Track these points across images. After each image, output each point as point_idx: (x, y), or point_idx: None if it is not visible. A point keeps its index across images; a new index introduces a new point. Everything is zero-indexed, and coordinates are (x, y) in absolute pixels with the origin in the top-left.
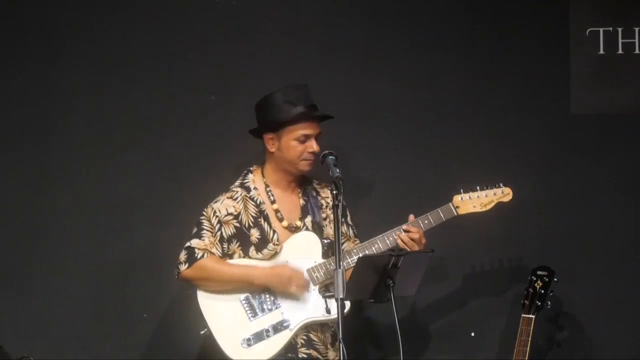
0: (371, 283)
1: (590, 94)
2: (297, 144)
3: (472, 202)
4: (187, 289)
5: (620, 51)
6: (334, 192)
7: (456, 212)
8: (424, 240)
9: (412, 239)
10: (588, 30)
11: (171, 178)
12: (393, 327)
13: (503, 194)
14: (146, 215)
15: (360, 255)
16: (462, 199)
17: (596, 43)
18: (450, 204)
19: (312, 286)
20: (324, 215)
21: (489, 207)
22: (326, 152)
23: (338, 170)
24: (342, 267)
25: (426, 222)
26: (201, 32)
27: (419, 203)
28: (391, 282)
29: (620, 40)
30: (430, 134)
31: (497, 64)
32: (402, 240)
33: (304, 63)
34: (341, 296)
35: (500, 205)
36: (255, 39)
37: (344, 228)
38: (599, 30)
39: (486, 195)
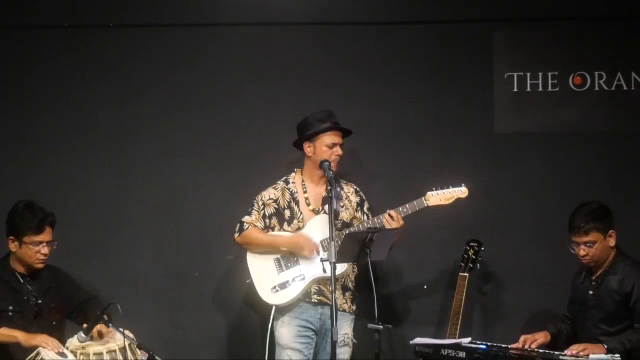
0: (354, 251)
1: (507, 119)
2: (327, 149)
3: (439, 197)
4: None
5: (528, 89)
6: (328, 187)
7: (426, 203)
8: (402, 222)
9: (392, 218)
10: (506, 74)
11: (215, 177)
12: (369, 283)
13: (462, 192)
14: (198, 203)
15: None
16: (432, 194)
17: (511, 83)
18: (423, 197)
19: (322, 252)
20: (341, 204)
21: (450, 201)
22: (323, 159)
23: (331, 173)
24: (333, 239)
25: (404, 210)
26: (238, 77)
27: (379, 196)
28: (368, 250)
29: (528, 82)
30: (391, 147)
31: (443, 97)
32: (386, 220)
33: (301, 95)
34: (334, 260)
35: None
36: (273, 77)
37: (359, 214)
38: (514, 75)
39: (450, 192)
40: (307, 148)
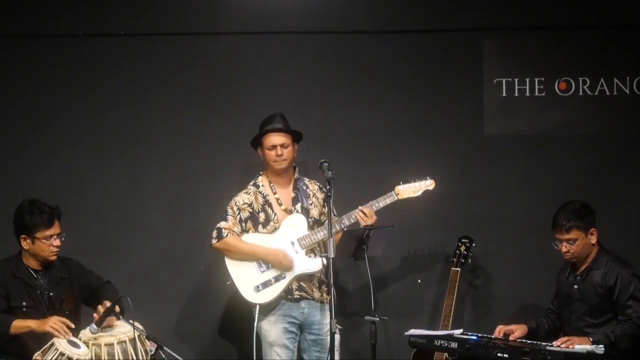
0: (352, 247)
1: (496, 122)
2: (268, 151)
3: (407, 190)
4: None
5: (516, 94)
6: (327, 187)
7: (397, 197)
8: (375, 217)
9: (365, 215)
10: (495, 80)
11: (220, 176)
12: (365, 278)
13: (428, 184)
14: (204, 201)
15: (339, 225)
16: (401, 188)
17: (500, 89)
18: (392, 191)
19: (300, 249)
20: (310, 202)
21: (418, 193)
22: (322, 160)
23: (330, 173)
24: (332, 236)
25: (377, 204)
26: (238, 86)
27: (373, 195)
28: (365, 247)
29: (516, 87)
30: (387, 148)
31: (436, 101)
32: (359, 216)
33: (302, 99)
34: (332, 256)
35: (429, 193)
36: (274, 82)
37: (326, 210)
38: (502, 80)
39: (417, 185)
40: (259, 152)
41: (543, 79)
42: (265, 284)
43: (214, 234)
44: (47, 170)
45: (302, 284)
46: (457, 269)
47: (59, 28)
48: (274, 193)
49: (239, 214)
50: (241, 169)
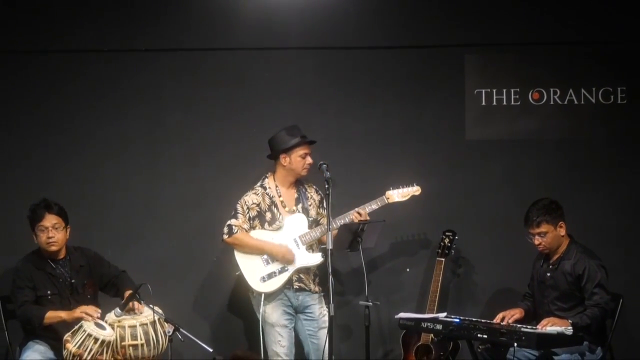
0: (348, 240)
1: (477, 128)
2: (301, 159)
3: (396, 195)
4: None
5: (494, 103)
6: (326, 186)
7: (387, 201)
8: (368, 217)
9: (360, 215)
10: (475, 91)
11: (229, 177)
12: (360, 268)
13: (415, 190)
14: (216, 199)
15: (334, 224)
16: (391, 193)
17: (480, 98)
18: (383, 196)
19: (301, 245)
20: (309, 203)
21: (406, 198)
22: (321, 162)
23: (328, 174)
24: (330, 231)
25: (369, 207)
26: (244, 96)
27: (367, 194)
28: (360, 239)
29: (494, 97)
30: (379, 152)
31: (422, 110)
32: (354, 216)
33: (302, 108)
34: (330, 247)
35: (414, 197)
36: (277, 94)
37: (321, 210)
38: (482, 91)
39: (405, 191)
40: (284, 159)
41: (518, 89)
42: (270, 275)
43: (225, 230)
44: (75, 173)
45: (301, 276)
46: (442, 259)
47: (85, 44)
48: (279, 195)
49: (248, 212)
50: (246, 170)
